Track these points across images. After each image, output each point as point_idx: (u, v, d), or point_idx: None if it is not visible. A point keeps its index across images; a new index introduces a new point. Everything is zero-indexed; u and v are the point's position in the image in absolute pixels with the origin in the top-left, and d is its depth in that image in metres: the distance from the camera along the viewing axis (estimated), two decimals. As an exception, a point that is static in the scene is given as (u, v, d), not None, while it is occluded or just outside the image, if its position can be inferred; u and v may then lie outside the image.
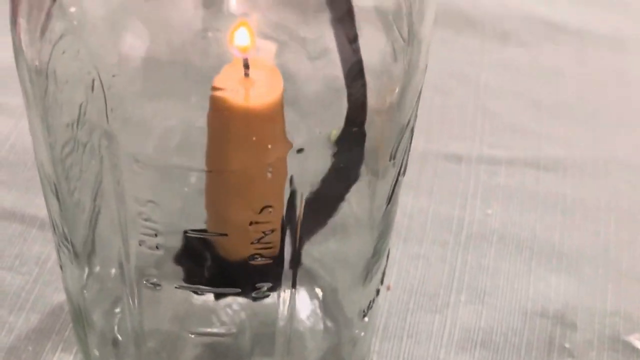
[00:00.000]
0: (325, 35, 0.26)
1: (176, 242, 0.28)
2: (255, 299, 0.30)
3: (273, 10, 0.26)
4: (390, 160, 0.28)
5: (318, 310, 0.35)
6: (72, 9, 0.27)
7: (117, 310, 0.33)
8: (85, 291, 0.32)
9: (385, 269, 0.34)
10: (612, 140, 0.50)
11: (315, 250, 0.32)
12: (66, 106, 0.28)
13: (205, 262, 0.28)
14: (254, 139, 0.25)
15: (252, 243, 0.27)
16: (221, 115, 0.27)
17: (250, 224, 0.27)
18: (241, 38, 0.28)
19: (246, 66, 0.28)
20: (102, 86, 0.27)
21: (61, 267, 0.32)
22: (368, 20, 0.27)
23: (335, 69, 0.26)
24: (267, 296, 0.29)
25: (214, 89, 0.25)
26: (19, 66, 0.28)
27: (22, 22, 0.27)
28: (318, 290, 0.36)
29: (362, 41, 0.26)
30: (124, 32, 0.27)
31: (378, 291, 0.34)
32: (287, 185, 0.26)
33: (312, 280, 0.34)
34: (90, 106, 0.27)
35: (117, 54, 0.27)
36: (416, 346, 0.39)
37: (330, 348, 0.35)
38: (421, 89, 0.28)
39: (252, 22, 0.27)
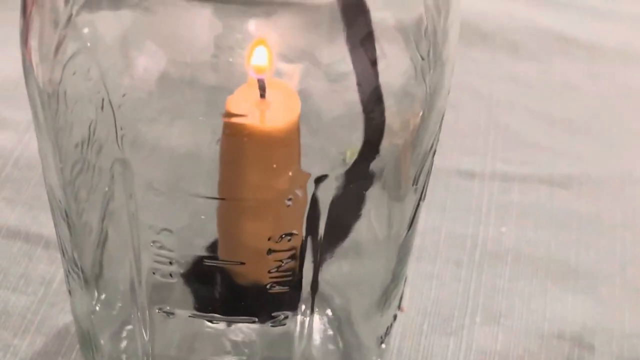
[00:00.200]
0: (345, 58, 0.25)
1: (191, 270, 0.27)
2: (271, 327, 0.29)
3: (290, 31, 0.25)
4: (413, 186, 0.27)
5: (334, 336, 0.34)
6: (86, 30, 0.26)
7: (125, 333, 0.32)
8: (93, 316, 0.31)
9: (402, 294, 0.33)
10: (627, 156, 0.49)
11: (333, 275, 0.31)
12: (76, 126, 0.27)
13: (220, 290, 0.27)
14: (274, 165, 0.24)
15: (269, 271, 0.26)
16: (235, 139, 0.26)
17: (268, 252, 0.26)
18: (258, 58, 0.27)
19: (262, 87, 0.27)
20: (112, 105, 0.26)
21: (69, 292, 0.31)
22: (390, 41, 0.26)
23: (354, 92, 0.25)
24: (284, 325, 0.28)
25: (228, 114, 0.25)
26: (29, 88, 0.27)
27: (33, 43, 0.26)
28: (334, 316, 0.35)
29: (384, 63, 0.25)
30: (136, 52, 0.26)
31: (395, 317, 0.33)
32: (307, 211, 0.25)
33: (328, 305, 0.33)
34: (99, 126, 0.26)
35: (128, 73, 0.26)
36: (431, 370, 0.38)
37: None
38: (444, 111, 0.28)
39: (269, 43, 0.26)
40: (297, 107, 0.27)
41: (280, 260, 0.26)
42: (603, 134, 0.50)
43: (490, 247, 0.44)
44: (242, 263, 0.26)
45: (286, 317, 0.28)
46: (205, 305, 0.28)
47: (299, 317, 0.29)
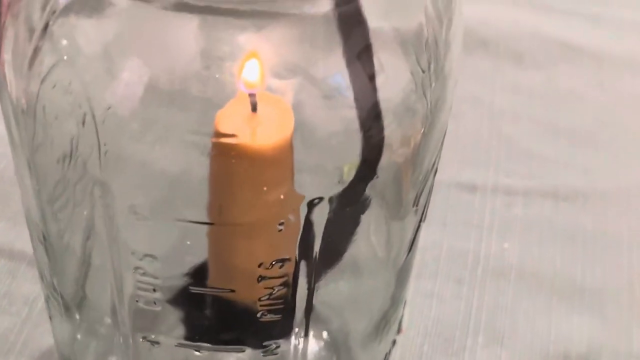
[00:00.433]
0: (341, 72, 0.24)
1: (176, 297, 0.26)
2: (262, 356, 0.27)
3: (283, 44, 0.24)
4: (413, 207, 0.25)
5: (330, 360, 0.33)
6: (64, 42, 0.24)
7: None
8: (75, 342, 0.30)
9: (402, 318, 0.31)
10: (635, 168, 0.48)
11: (330, 296, 0.29)
12: (55, 144, 0.26)
13: (208, 319, 0.26)
14: (264, 188, 0.23)
15: (260, 299, 0.25)
16: (224, 159, 0.24)
17: (259, 279, 0.24)
18: (249, 72, 0.25)
19: (254, 102, 0.26)
20: (95, 120, 0.25)
21: (50, 318, 0.30)
22: (389, 54, 0.24)
23: (351, 109, 0.24)
24: (276, 354, 0.27)
25: (217, 134, 0.23)
26: (3, 105, 0.25)
27: (6, 57, 0.24)
28: (330, 339, 0.33)
29: (382, 77, 0.24)
30: (120, 64, 0.24)
31: (394, 342, 0.31)
32: (299, 235, 0.24)
33: (324, 328, 0.31)
34: (81, 142, 0.25)
35: (113, 86, 0.25)
36: (432, 394, 0.37)
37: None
38: (446, 127, 0.26)
39: (261, 56, 0.24)
40: (290, 122, 0.25)
41: (272, 288, 0.25)
42: (610, 146, 0.49)
43: (492, 264, 0.42)
44: (232, 290, 0.25)
45: (278, 347, 0.26)
46: (193, 334, 0.26)
47: (293, 341, 0.28)
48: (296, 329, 0.27)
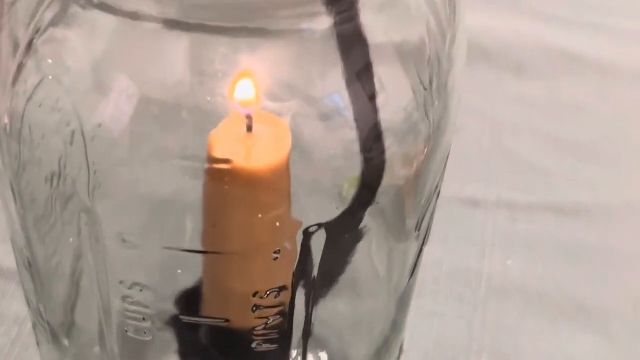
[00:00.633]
0: (340, 92, 0.23)
1: (167, 326, 0.24)
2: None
3: (279, 63, 0.23)
4: (415, 231, 0.24)
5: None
6: (50, 59, 0.23)
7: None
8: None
9: (403, 341, 0.30)
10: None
11: (330, 316, 0.28)
12: (43, 163, 0.25)
13: (200, 349, 0.25)
14: (259, 216, 0.22)
15: (255, 329, 0.24)
16: (218, 183, 0.23)
17: (254, 309, 0.23)
18: (244, 91, 0.24)
19: (249, 121, 0.25)
20: (84, 138, 0.23)
21: (38, 344, 0.28)
22: (389, 72, 0.23)
23: (351, 130, 0.23)
24: (273, 384, 0.26)
25: (210, 159, 0.22)
26: (-16, 127, 0.24)
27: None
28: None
29: (383, 97, 0.23)
30: (109, 83, 0.23)
31: (395, 367, 0.30)
32: (296, 264, 0.23)
33: (324, 349, 0.30)
34: (69, 162, 0.24)
35: (101, 106, 0.23)
36: (434, 418, 0.36)
37: None
38: (450, 148, 0.25)
39: (256, 75, 0.23)
40: (287, 141, 0.24)
41: (267, 317, 0.23)
42: (615, 159, 0.48)
43: (495, 282, 0.41)
44: (227, 320, 0.23)
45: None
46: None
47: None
48: (294, 356, 0.26)
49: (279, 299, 0.23)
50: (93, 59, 0.24)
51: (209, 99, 0.22)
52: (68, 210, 0.23)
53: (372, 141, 0.23)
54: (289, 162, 0.24)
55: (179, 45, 0.23)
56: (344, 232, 0.23)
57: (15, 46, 0.23)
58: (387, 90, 0.23)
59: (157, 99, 0.23)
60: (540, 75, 0.52)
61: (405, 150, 0.23)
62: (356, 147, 0.23)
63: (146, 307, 0.23)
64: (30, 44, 0.23)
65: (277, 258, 0.22)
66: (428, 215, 0.25)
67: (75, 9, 0.22)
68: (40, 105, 0.25)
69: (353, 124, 0.22)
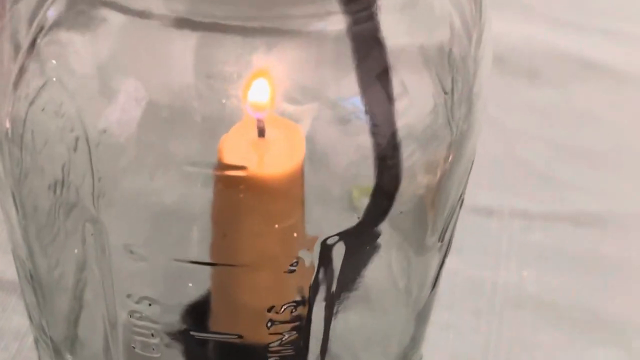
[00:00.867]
0: (358, 96, 0.21)
1: (176, 343, 0.23)
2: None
3: (294, 64, 0.21)
4: (438, 242, 0.23)
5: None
6: (54, 61, 0.22)
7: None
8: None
9: (422, 357, 0.29)
10: (657, 192, 0.45)
11: (345, 332, 0.26)
12: (46, 170, 0.24)
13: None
14: (275, 226, 0.21)
15: (269, 345, 0.22)
16: (229, 192, 0.22)
17: (268, 325, 0.22)
18: (257, 94, 0.23)
19: (261, 127, 0.23)
20: (88, 144, 0.22)
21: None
22: (412, 75, 0.22)
23: (369, 135, 0.22)
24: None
25: (221, 166, 0.21)
26: (-16, 131, 0.23)
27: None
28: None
29: (405, 101, 0.21)
30: (115, 86, 0.22)
31: (413, 385, 0.29)
32: (314, 277, 0.21)
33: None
34: (73, 169, 0.23)
35: (107, 111, 0.22)
36: None
37: None
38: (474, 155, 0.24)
39: (271, 77, 0.22)
40: (301, 147, 0.23)
41: (282, 333, 0.22)
42: (631, 168, 0.46)
43: (511, 294, 0.40)
44: (240, 336, 0.22)
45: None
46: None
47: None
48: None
49: (295, 314, 0.22)
50: (99, 60, 0.23)
51: (223, 101, 0.21)
52: (71, 219, 0.22)
53: (389, 147, 0.21)
54: (303, 168, 0.23)
55: (188, 45, 0.22)
56: (364, 242, 0.22)
57: (17, 47, 0.22)
58: (410, 94, 0.22)
59: (165, 103, 0.22)
60: (554, 82, 0.51)
61: (428, 158, 0.22)
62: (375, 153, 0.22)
63: (155, 322, 0.22)
64: (32, 45, 0.22)
65: (293, 271, 0.21)
66: (451, 225, 0.24)
67: (80, 7, 0.21)
68: (42, 109, 0.24)
69: (371, 129, 0.21)
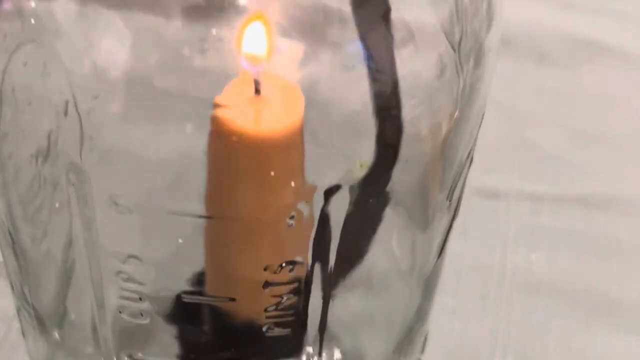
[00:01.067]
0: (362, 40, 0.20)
1: (167, 308, 0.22)
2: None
3: (294, 5, 0.20)
4: (446, 201, 0.22)
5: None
6: (32, 4, 0.21)
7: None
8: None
9: (427, 333, 0.28)
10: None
11: (344, 312, 0.25)
12: (29, 134, 0.22)
13: (204, 334, 0.22)
14: (272, 173, 0.19)
15: (266, 310, 0.21)
16: (224, 145, 0.21)
17: (265, 285, 0.20)
18: (253, 43, 0.21)
19: (258, 81, 0.22)
20: (78, 111, 0.21)
21: (23, 334, 0.26)
22: (418, 23, 0.21)
23: (374, 83, 0.20)
24: (285, 375, 0.23)
25: (216, 106, 0.19)
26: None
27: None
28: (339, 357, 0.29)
29: (410, 49, 0.20)
30: (103, 43, 0.21)
31: (419, 361, 0.28)
32: (314, 232, 0.20)
33: (336, 346, 0.27)
34: (62, 136, 0.21)
35: (95, 70, 0.21)
36: (457, 422, 0.33)
37: None
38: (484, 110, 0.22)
39: (267, 20, 0.20)
40: (300, 105, 0.22)
41: (280, 296, 0.21)
42: (641, 150, 0.45)
43: (519, 278, 0.39)
44: (232, 299, 0.21)
45: (288, 366, 0.23)
46: (187, 352, 0.22)
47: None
48: (308, 347, 0.23)
49: (293, 274, 0.20)
50: (83, 16, 0.22)
51: (217, 51, 0.20)
52: (54, 172, 0.20)
53: (391, 95, 0.20)
54: (302, 126, 0.21)
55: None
56: (370, 193, 0.20)
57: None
58: (415, 43, 0.20)
59: (158, 53, 0.21)
60: (562, 65, 0.49)
61: (435, 109, 0.21)
62: (379, 102, 0.20)
63: (142, 284, 0.20)
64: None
65: (291, 225, 0.19)
66: (460, 183, 0.22)
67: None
68: (24, 65, 0.22)
69: (376, 76, 0.20)
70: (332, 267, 0.21)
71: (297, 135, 0.22)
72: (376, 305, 0.27)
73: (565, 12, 0.52)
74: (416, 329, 0.26)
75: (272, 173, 0.19)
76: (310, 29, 0.20)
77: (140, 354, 0.22)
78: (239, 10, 0.20)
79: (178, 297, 0.21)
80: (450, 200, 0.22)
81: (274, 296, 0.21)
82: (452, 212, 0.23)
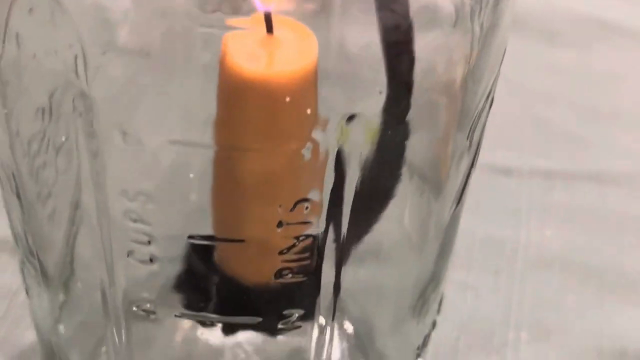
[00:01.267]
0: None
1: (176, 253, 0.21)
2: (279, 332, 0.22)
3: None
4: (466, 140, 0.21)
5: (355, 353, 0.28)
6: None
7: (102, 350, 0.25)
8: (60, 326, 0.25)
9: (443, 295, 0.27)
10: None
11: (353, 279, 0.24)
12: (33, 88, 0.21)
13: (214, 280, 0.21)
14: (287, 99, 0.18)
15: (280, 253, 0.20)
16: (235, 89, 0.20)
17: (279, 225, 0.19)
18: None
19: (269, 20, 0.21)
20: (86, 66, 0.20)
21: (27, 292, 0.25)
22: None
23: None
24: (298, 327, 0.22)
25: (225, 64, 0.18)
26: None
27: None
28: (350, 329, 0.28)
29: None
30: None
31: (434, 323, 0.27)
32: (330, 167, 0.19)
33: (345, 316, 0.27)
34: (68, 94, 0.20)
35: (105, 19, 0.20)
36: (471, 395, 0.32)
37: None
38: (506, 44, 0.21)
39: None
40: (314, 48, 0.21)
41: (296, 238, 0.20)
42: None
43: (533, 253, 0.38)
44: (242, 240, 0.20)
45: (301, 318, 0.22)
46: (196, 300, 0.21)
47: (317, 326, 0.23)
48: (321, 310, 0.23)
49: (308, 213, 0.19)
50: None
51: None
52: (67, 135, 0.20)
53: (405, 29, 0.19)
54: (317, 68, 0.21)
55: None
56: (392, 122, 0.19)
57: None
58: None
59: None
60: (572, 44, 0.49)
61: (453, 43, 0.20)
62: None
63: (150, 224, 0.20)
64: None
65: (307, 158, 0.19)
66: (480, 125, 0.22)
67: None
68: (30, 10, 0.21)
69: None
70: (351, 208, 0.20)
71: (311, 77, 0.21)
72: (385, 274, 0.26)
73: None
74: (430, 290, 0.25)
75: (288, 98, 0.18)
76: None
77: (148, 305, 0.22)
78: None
79: (189, 240, 0.20)
80: (470, 141, 0.21)
81: (288, 237, 0.20)
82: (471, 156, 0.22)
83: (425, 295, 0.26)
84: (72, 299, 0.24)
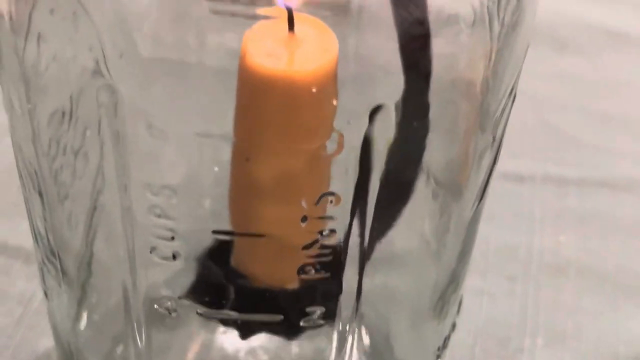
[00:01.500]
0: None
1: (199, 249, 0.21)
2: (302, 331, 0.22)
3: None
4: (490, 136, 0.21)
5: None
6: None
7: (119, 350, 0.25)
8: (78, 326, 0.25)
9: (462, 296, 0.27)
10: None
11: (371, 282, 0.24)
12: (53, 89, 0.21)
13: (234, 279, 0.21)
14: (313, 90, 0.18)
15: (303, 248, 0.20)
16: (254, 87, 0.20)
17: (303, 220, 0.19)
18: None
19: (290, 18, 0.21)
20: (107, 68, 0.20)
21: (46, 294, 0.25)
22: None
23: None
24: (320, 326, 0.22)
25: (245, 62, 0.18)
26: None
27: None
28: (367, 339, 0.28)
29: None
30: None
31: (454, 325, 0.27)
32: (355, 161, 0.19)
33: (369, 310, 0.26)
34: (89, 91, 0.20)
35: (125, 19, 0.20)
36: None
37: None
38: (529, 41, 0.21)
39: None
40: (334, 46, 0.21)
41: (320, 233, 0.20)
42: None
43: (547, 259, 0.38)
44: (263, 236, 0.20)
45: (323, 316, 0.21)
46: (217, 299, 0.21)
47: (338, 326, 0.23)
48: (343, 310, 0.22)
49: (334, 207, 0.19)
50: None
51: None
52: (84, 139, 0.20)
53: (421, 23, 0.19)
54: (336, 68, 0.21)
55: None
56: (415, 113, 0.19)
57: None
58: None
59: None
60: (582, 52, 0.49)
61: (476, 38, 0.20)
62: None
63: (174, 219, 0.20)
64: None
65: (331, 152, 0.19)
66: (503, 120, 0.22)
67: None
68: (51, 11, 0.21)
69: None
70: (376, 202, 0.20)
71: (332, 71, 0.21)
72: (402, 280, 0.26)
73: (585, 1, 0.52)
74: (449, 292, 0.25)
75: (314, 90, 0.18)
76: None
77: (168, 303, 0.22)
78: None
79: (210, 236, 0.20)
80: (494, 137, 0.21)
81: (312, 232, 0.20)
82: (494, 152, 0.22)
83: (446, 297, 0.26)
84: (92, 299, 0.24)
